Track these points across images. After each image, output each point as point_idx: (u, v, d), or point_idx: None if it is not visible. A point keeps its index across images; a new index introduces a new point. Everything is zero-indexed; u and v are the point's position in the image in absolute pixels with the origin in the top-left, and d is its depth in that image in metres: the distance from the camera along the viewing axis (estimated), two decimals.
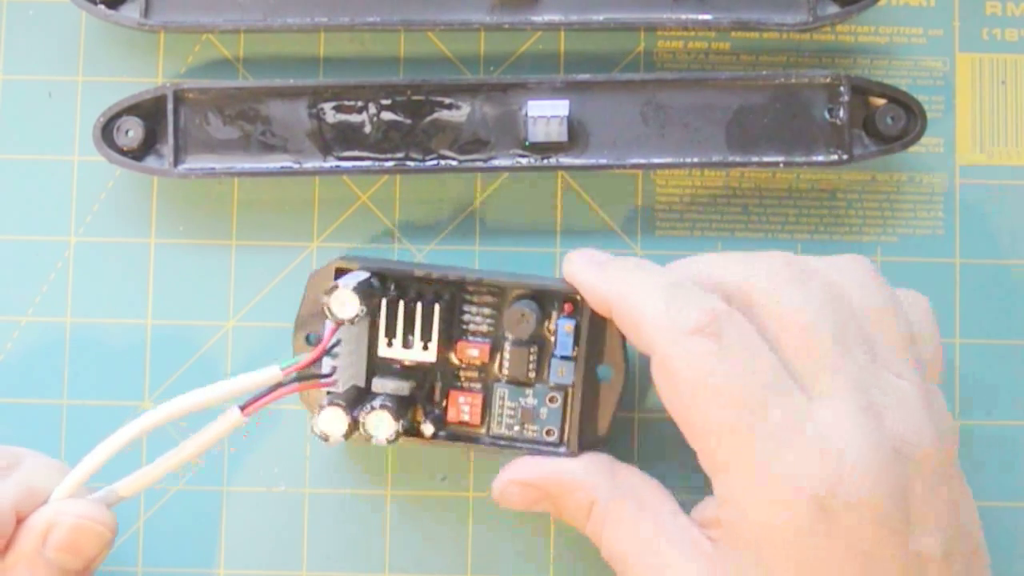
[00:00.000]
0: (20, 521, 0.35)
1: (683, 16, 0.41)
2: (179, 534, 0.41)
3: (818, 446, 0.32)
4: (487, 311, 0.39)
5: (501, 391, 0.39)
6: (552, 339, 0.39)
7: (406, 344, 0.38)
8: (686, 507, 0.36)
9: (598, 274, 0.37)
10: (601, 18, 0.41)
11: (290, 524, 0.41)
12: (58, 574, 0.35)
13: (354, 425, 0.37)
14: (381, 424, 0.37)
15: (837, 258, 0.36)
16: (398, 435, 0.37)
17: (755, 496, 0.32)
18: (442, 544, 0.41)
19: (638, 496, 0.37)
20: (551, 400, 0.39)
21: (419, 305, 0.38)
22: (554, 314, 0.39)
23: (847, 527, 0.31)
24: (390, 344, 0.38)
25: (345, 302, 0.37)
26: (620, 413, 0.41)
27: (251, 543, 0.41)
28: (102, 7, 0.41)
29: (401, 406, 0.38)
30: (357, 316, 0.36)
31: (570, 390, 0.38)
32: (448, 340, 0.39)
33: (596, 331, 0.38)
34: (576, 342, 0.38)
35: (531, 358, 0.39)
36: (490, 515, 0.41)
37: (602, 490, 0.37)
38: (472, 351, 0.39)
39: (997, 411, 0.42)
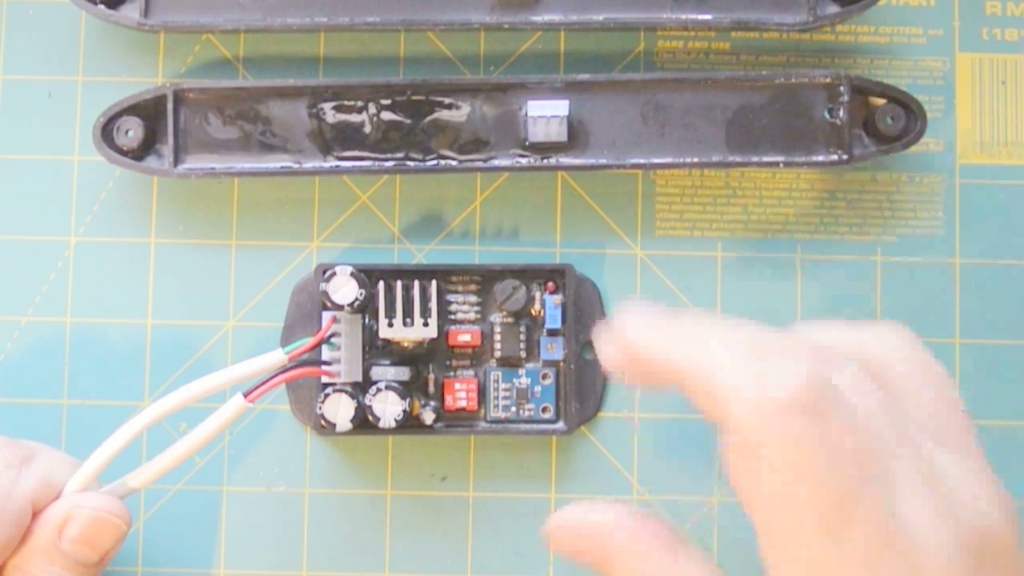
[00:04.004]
0: (36, 514, 0.36)
1: (683, 16, 0.41)
2: (179, 534, 0.41)
3: (902, 552, 0.28)
4: (473, 299, 0.41)
5: (495, 374, 0.40)
6: (539, 317, 0.40)
7: (406, 323, 0.39)
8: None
9: (658, 334, 0.31)
10: (601, 18, 0.41)
11: (290, 524, 0.41)
12: (74, 566, 0.35)
13: (360, 410, 0.37)
14: (388, 404, 0.38)
15: (878, 328, 0.32)
16: (405, 415, 0.38)
17: None
18: (442, 544, 0.41)
19: None
20: (544, 377, 0.40)
21: (416, 283, 0.39)
22: (537, 294, 0.40)
23: None
24: (391, 324, 0.39)
25: (342, 287, 0.38)
26: (619, 414, 0.41)
27: (251, 543, 0.41)
28: (102, 7, 0.41)
29: (403, 390, 0.39)
30: (356, 300, 0.37)
31: (561, 366, 0.40)
32: (440, 327, 0.40)
33: (580, 307, 0.40)
34: (564, 315, 0.40)
35: (521, 335, 0.40)
36: (490, 515, 0.41)
37: (658, 569, 0.32)
38: (464, 336, 0.40)
39: (997, 411, 0.42)
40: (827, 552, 0.28)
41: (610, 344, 0.32)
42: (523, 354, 0.40)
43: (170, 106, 0.40)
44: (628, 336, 0.31)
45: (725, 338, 0.30)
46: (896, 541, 0.28)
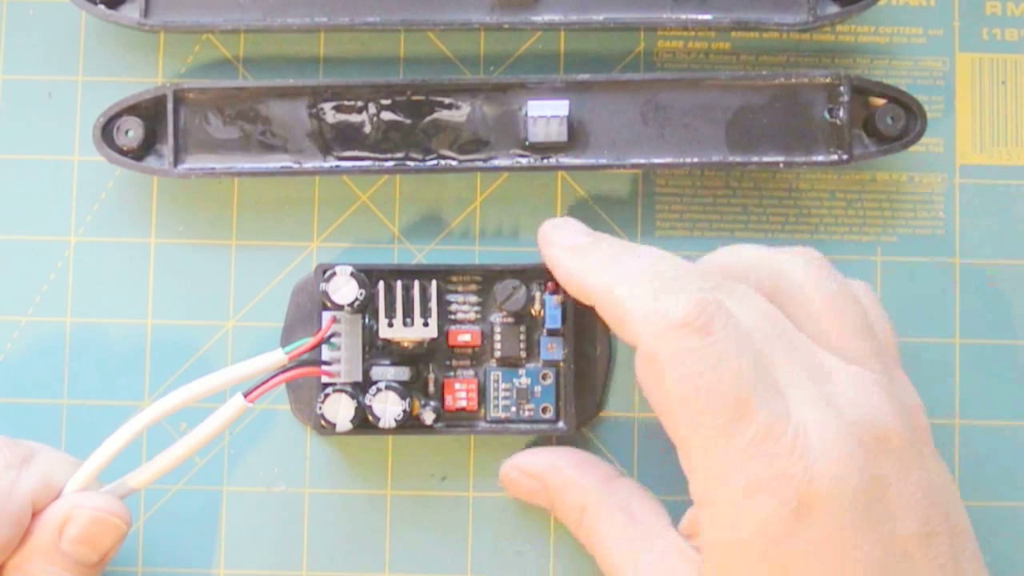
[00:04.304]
0: (36, 514, 0.36)
1: (683, 16, 0.41)
2: (179, 534, 0.41)
3: (793, 446, 0.31)
4: (473, 299, 0.40)
5: (495, 374, 0.40)
6: (539, 317, 0.40)
7: (406, 323, 0.39)
8: (675, 510, 0.36)
9: (578, 262, 0.36)
10: (601, 18, 0.41)
11: (290, 524, 0.41)
12: (74, 567, 0.35)
13: (360, 410, 0.37)
14: (388, 404, 0.38)
15: (787, 253, 0.36)
16: (405, 415, 0.38)
17: (732, 500, 0.31)
18: (442, 544, 0.41)
19: (630, 507, 0.37)
20: (544, 377, 0.40)
21: (416, 283, 0.39)
22: (538, 294, 0.40)
23: (822, 523, 0.31)
24: (391, 324, 0.39)
25: (342, 287, 0.38)
26: (619, 415, 0.41)
27: (251, 543, 0.41)
28: (102, 7, 0.41)
29: (403, 390, 0.39)
30: (356, 300, 0.37)
31: (561, 366, 0.40)
32: (440, 327, 0.40)
33: (581, 306, 0.40)
34: (564, 315, 0.40)
35: (521, 335, 0.40)
36: (490, 515, 0.41)
37: (595, 495, 0.37)
38: (464, 336, 0.40)
39: (997, 412, 0.42)
40: (722, 450, 0.31)
41: (544, 249, 0.37)
42: (523, 354, 0.40)
43: (170, 106, 0.40)
44: (555, 260, 0.37)
45: (630, 266, 0.34)
46: (786, 436, 0.31)
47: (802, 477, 0.31)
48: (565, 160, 0.41)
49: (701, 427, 0.32)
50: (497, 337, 0.40)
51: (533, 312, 0.40)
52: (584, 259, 0.36)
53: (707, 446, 0.32)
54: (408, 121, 0.41)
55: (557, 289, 0.40)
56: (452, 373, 0.40)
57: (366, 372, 0.39)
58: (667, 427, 0.33)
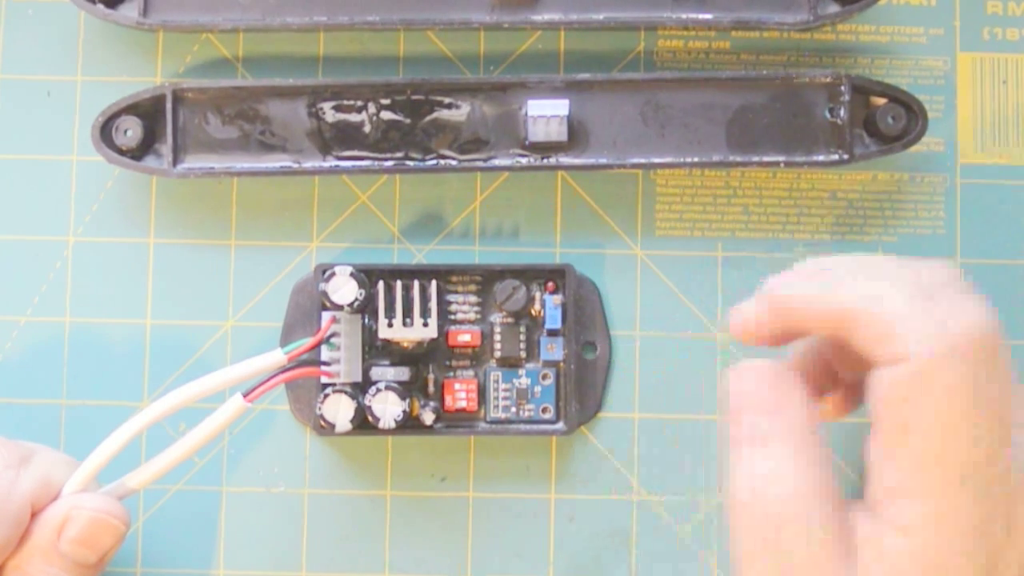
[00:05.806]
0: (35, 514, 0.36)
1: (683, 15, 0.41)
2: (179, 534, 0.41)
3: None
4: (473, 299, 0.40)
5: (495, 374, 0.40)
6: (539, 317, 0.40)
7: (406, 323, 0.39)
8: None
9: (817, 283, 0.31)
10: (601, 17, 0.41)
11: (290, 524, 0.41)
12: (72, 567, 0.36)
13: (360, 411, 0.37)
14: (388, 404, 0.38)
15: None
16: (405, 415, 0.38)
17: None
18: (442, 544, 0.41)
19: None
20: (544, 378, 0.40)
21: (416, 283, 0.39)
22: (538, 294, 0.40)
23: None
24: (391, 325, 0.39)
25: (342, 287, 0.38)
26: (619, 415, 0.41)
27: (251, 543, 0.41)
28: (101, 6, 0.41)
29: (403, 390, 0.39)
30: (356, 300, 0.37)
31: (561, 366, 0.40)
32: (440, 327, 0.40)
33: (580, 307, 0.40)
34: (564, 315, 0.40)
35: (521, 335, 0.40)
36: (490, 515, 0.41)
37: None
38: (464, 336, 0.40)
39: None
40: (964, 501, 0.28)
41: (761, 303, 0.32)
42: (523, 354, 0.40)
43: (169, 106, 0.40)
44: (792, 288, 0.31)
45: (882, 273, 0.30)
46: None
47: None
48: (565, 160, 0.41)
49: (944, 470, 0.28)
50: (497, 337, 0.40)
51: (533, 312, 0.40)
52: (823, 277, 0.31)
53: (944, 492, 0.28)
54: (408, 121, 0.41)
55: (557, 289, 0.40)
56: (452, 373, 0.40)
57: (366, 372, 0.39)
58: (900, 456, 0.29)
